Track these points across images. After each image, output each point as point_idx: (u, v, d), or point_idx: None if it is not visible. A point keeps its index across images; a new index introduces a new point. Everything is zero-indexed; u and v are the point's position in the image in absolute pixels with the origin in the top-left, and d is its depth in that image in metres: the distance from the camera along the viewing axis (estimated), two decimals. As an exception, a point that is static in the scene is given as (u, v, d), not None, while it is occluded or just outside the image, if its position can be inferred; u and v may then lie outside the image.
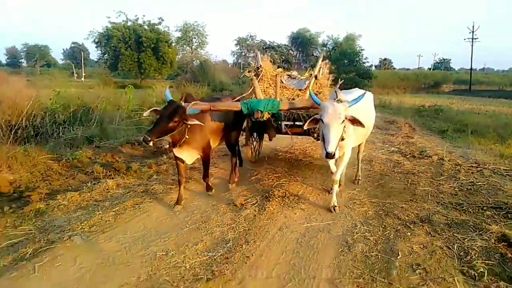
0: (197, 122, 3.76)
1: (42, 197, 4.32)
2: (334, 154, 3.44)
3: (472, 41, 40.23)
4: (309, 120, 3.79)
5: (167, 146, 3.93)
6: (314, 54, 55.10)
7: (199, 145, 4.17)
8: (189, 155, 4.18)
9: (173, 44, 39.00)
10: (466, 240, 3.40)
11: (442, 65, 74.85)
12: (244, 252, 3.10)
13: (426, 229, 3.64)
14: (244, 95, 4.98)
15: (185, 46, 50.94)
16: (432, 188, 4.98)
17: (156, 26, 35.33)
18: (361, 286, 2.69)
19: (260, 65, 5.55)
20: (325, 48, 53.32)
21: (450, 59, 77.41)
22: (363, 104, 4.13)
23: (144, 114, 4.06)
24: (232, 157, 5.15)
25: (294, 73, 6.20)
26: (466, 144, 8.18)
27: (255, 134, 6.02)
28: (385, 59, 70.50)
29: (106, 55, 35.99)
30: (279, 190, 4.59)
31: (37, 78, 21.88)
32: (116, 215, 3.81)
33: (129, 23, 34.54)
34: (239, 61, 62.15)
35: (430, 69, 69.08)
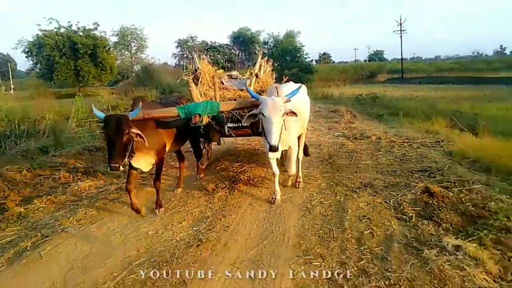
0: (137, 131, 3.46)
1: (18, 203, 4.53)
2: (277, 147, 3.53)
3: (401, 33, 44.01)
4: (248, 115, 3.85)
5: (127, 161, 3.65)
6: (256, 52, 56.50)
7: (154, 149, 3.96)
8: (145, 163, 3.98)
9: (111, 49, 37.91)
10: (399, 195, 4.28)
11: (377, 56, 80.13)
12: (223, 223, 3.69)
13: (368, 191, 4.48)
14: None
15: (123, 51, 49.55)
16: (372, 161, 5.91)
17: (92, 32, 34.11)
18: (321, 235, 3.40)
19: (198, 67, 5.44)
20: (266, 45, 54.82)
21: (383, 51, 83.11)
22: (299, 96, 4.21)
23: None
24: (195, 156, 5.26)
25: (235, 73, 6.30)
26: (399, 125, 9.42)
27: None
28: (324, 54, 73.99)
29: (38, 64, 34.10)
30: (244, 175, 5.22)
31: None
32: (98, 209, 4.19)
33: (62, 30, 33.02)
34: (181, 63, 61.61)
35: (366, 61, 73.73)
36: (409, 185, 4.60)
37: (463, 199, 3.99)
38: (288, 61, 27.48)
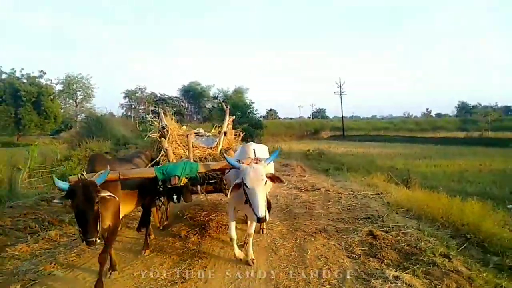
0: (109, 193, 3.26)
1: (-12, 253, 4.61)
2: (265, 217, 3.42)
3: (341, 94, 48.51)
4: (232, 186, 3.71)
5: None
6: (206, 106, 58.19)
7: (109, 214, 3.52)
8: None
9: (56, 98, 37.14)
10: (349, 238, 5.07)
11: (319, 114, 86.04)
12: (201, 264, 4.17)
13: (323, 235, 5.23)
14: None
15: (68, 99, 48.54)
16: (323, 210, 6.74)
17: (36, 79, 33.50)
18: (288, 272, 4.01)
19: (166, 125, 5.34)
20: (216, 100, 56.98)
21: (325, 109, 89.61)
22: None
23: (54, 201, 3.44)
24: (143, 223, 4.86)
25: (201, 130, 6.24)
26: (344, 178, 10.57)
27: (162, 199, 5.55)
28: (271, 110, 77.93)
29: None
30: (212, 221, 5.74)
31: None
32: (78, 255, 4.44)
33: (4, 76, 32.08)
34: (129, 113, 61.02)
35: (310, 118, 78.80)
36: (356, 229, 5.43)
37: (399, 240, 4.88)
38: (239, 116, 28.94)
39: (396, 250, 4.56)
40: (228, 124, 5.91)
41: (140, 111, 61.71)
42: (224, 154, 4.22)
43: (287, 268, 4.08)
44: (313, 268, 4.11)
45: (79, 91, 48.52)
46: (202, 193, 4.92)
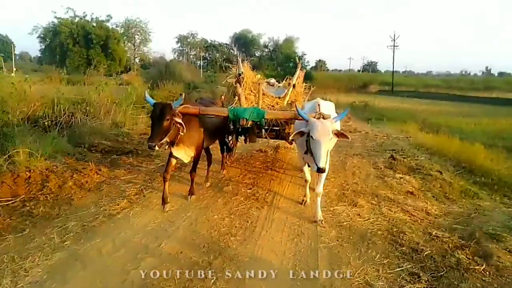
0: (180, 120, 4.11)
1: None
2: (324, 169, 3.77)
3: (394, 48, 48.15)
4: (295, 132, 4.11)
5: (167, 146, 4.32)
6: (256, 54, 59.91)
7: (194, 143, 4.60)
8: (185, 154, 4.59)
9: (121, 41, 40.70)
10: (376, 158, 7.60)
11: (370, 67, 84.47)
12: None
13: (358, 157, 7.78)
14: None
15: (126, 42, 51.96)
16: (361, 144, 9.24)
17: (104, 23, 36.96)
18: (335, 170, 6.65)
19: (242, 72, 5.83)
20: (266, 49, 58.45)
21: (377, 62, 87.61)
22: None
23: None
24: (221, 152, 6.16)
25: (272, 80, 6.91)
26: (383, 126, 12.84)
27: (232, 137, 6.57)
28: (319, 61, 77.95)
29: (49, 50, 36.63)
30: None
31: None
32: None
33: (77, 20, 35.74)
34: (181, 58, 64.13)
35: (359, 71, 78.03)
36: (383, 155, 7.93)
37: (411, 162, 7.34)
38: (291, 67, 30.79)
39: (406, 166, 7.03)
40: (298, 77, 6.41)
41: (191, 56, 64.65)
42: (297, 106, 4.37)
43: (332, 171, 6.71)
44: (349, 171, 6.73)
45: (137, 35, 51.48)
46: (265, 137, 5.66)
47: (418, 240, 3.96)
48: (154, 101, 4.24)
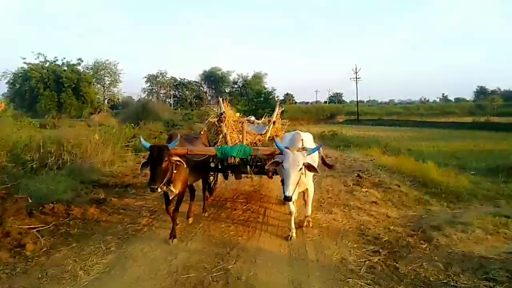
0: (178, 158, 4.35)
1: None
2: (291, 198, 4.13)
3: (356, 80, 51.79)
4: (271, 161, 4.53)
5: (164, 187, 4.44)
6: (226, 90, 62.12)
7: (180, 180, 4.72)
8: (172, 191, 4.69)
9: (92, 84, 41.51)
10: (345, 178, 8.99)
11: (336, 98, 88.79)
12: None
13: (331, 177, 9.15)
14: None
15: (96, 84, 52.60)
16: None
17: (75, 67, 37.87)
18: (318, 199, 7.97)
19: (224, 111, 6.29)
20: (236, 85, 60.86)
21: (342, 93, 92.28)
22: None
23: (139, 171, 5.25)
24: (203, 191, 6.17)
25: (252, 118, 7.44)
26: (350, 151, 14.46)
27: (214, 174, 6.99)
28: (287, 94, 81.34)
29: (18, 95, 36.81)
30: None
31: None
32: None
33: (47, 64, 36.47)
34: (151, 97, 64.99)
35: (326, 102, 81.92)
36: (351, 175, 9.36)
37: (375, 179, 8.79)
38: (262, 101, 32.72)
39: (371, 182, 8.46)
40: (277, 114, 7.03)
41: (161, 95, 65.84)
42: (275, 138, 5.01)
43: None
44: (323, 188, 8.06)
45: (107, 76, 52.18)
46: (250, 173, 5.83)
47: (380, 232, 5.26)
48: (150, 145, 4.46)
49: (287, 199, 4.15)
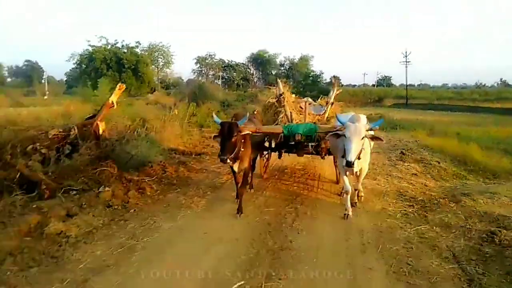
0: (248, 131, 4.77)
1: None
2: (353, 163, 4.36)
3: (406, 64, 50.75)
4: (333, 132, 4.81)
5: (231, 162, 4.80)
6: (273, 73, 63.00)
7: (247, 157, 5.11)
8: (239, 166, 5.09)
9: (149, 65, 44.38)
10: (390, 154, 10.08)
11: (385, 81, 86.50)
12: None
13: (376, 153, 10.27)
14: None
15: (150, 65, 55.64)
16: (378, 145, 11.71)
17: (134, 49, 40.71)
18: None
19: (283, 92, 6.52)
20: (282, 67, 61.63)
21: (391, 76, 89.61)
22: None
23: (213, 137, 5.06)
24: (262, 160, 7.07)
25: (310, 99, 7.79)
26: (396, 133, 15.31)
27: (269, 152, 7.22)
28: (334, 76, 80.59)
29: (86, 75, 40.31)
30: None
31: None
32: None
33: (109, 47, 39.49)
34: (200, 78, 67.29)
35: (374, 85, 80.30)
36: (395, 152, 10.42)
37: (417, 156, 9.81)
38: (310, 84, 33.54)
39: (413, 159, 9.51)
40: (335, 95, 7.23)
41: (210, 76, 68.06)
42: (337, 115, 5.22)
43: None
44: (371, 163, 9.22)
45: (160, 58, 54.91)
46: (311, 151, 6.14)
47: (416, 194, 6.44)
48: (221, 121, 4.81)
49: (349, 164, 4.39)
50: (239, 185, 5.39)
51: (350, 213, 5.20)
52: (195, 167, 8.24)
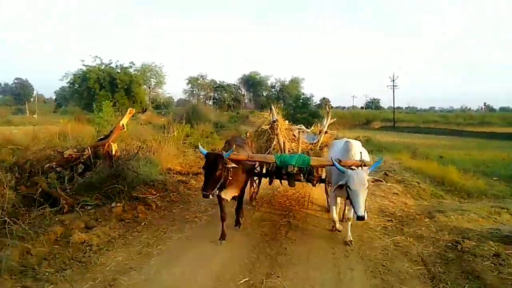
0: (233, 165, 4.61)
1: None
2: (364, 217, 4.23)
3: (393, 88, 52.75)
4: (335, 186, 4.69)
5: (217, 192, 4.67)
6: (263, 94, 64.52)
7: (239, 184, 5.11)
8: (230, 194, 5.12)
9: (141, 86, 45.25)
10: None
11: (373, 104, 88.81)
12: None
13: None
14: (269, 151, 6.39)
15: (142, 85, 56.42)
16: (364, 167, 12.61)
17: (127, 69, 41.66)
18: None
19: (276, 119, 6.40)
20: (273, 89, 63.18)
21: (380, 99, 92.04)
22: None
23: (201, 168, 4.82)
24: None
25: (303, 127, 8.00)
26: (381, 155, 16.24)
27: (256, 180, 7.42)
28: (324, 98, 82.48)
29: (78, 95, 40.95)
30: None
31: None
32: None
33: (103, 67, 40.36)
34: (191, 99, 68.18)
35: (363, 108, 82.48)
36: (379, 173, 11.23)
37: (399, 177, 10.70)
38: (300, 106, 34.66)
39: (395, 179, 10.39)
40: (328, 124, 7.24)
41: (201, 96, 69.10)
42: (333, 160, 4.79)
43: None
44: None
45: (153, 78, 55.72)
46: (303, 181, 6.10)
47: (395, 211, 7.26)
48: (207, 152, 4.73)
49: (361, 219, 4.23)
50: (236, 209, 5.73)
51: (341, 229, 5.49)
52: (194, 185, 8.95)
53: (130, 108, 8.20)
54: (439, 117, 57.23)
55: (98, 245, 4.99)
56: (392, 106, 56.40)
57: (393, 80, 53.51)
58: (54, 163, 6.94)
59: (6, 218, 4.72)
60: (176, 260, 4.64)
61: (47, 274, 4.14)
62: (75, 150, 7.12)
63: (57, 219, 5.55)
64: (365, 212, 4.37)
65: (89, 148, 7.14)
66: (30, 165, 6.79)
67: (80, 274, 4.18)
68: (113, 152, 7.12)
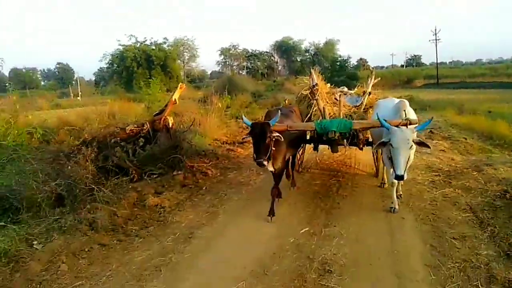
0: (278, 134, 4.53)
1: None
2: (403, 176, 4.09)
3: (436, 42, 50.14)
4: (378, 143, 4.55)
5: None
6: (297, 59, 63.42)
7: (280, 155, 4.97)
8: (273, 166, 4.93)
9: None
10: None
11: (414, 61, 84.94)
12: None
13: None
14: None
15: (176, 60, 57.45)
16: (408, 127, 12.65)
17: (162, 46, 42.60)
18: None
19: (316, 83, 6.12)
20: (307, 53, 62.04)
21: (421, 55, 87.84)
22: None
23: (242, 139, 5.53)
24: (292, 166, 6.42)
25: (345, 89, 7.49)
26: (425, 113, 16.06)
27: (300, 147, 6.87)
28: (361, 59, 80.00)
29: (117, 74, 42.67)
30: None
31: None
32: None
33: (138, 45, 41.54)
34: (225, 70, 68.55)
35: (403, 66, 79.18)
36: (424, 131, 11.22)
37: (445, 134, 10.72)
38: (337, 69, 34.13)
39: (441, 136, 10.44)
40: (372, 84, 6.94)
41: (234, 66, 69.24)
42: (379, 116, 4.57)
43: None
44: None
45: (186, 52, 56.64)
46: (346, 146, 5.74)
47: (442, 166, 7.47)
48: (252, 122, 4.75)
49: (399, 178, 4.15)
50: (286, 175, 5.86)
51: (397, 206, 5.11)
52: (242, 152, 9.53)
53: (180, 83, 8.75)
54: (487, 70, 53.92)
55: (170, 206, 5.71)
56: (435, 61, 53.84)
57: (435, 34, 50.65)
58: (118, 138, 7.69)
59: (93, 186, 5.50)
60: (239, 217, 5.28)
61: (133, 230, 4.89)
62: (135, 125, 7.82)
63: (130, 186, 6.34)
64: (405, 172, 4.26)
65: (147, 122, 7.81)
66: (98, 142, 7.60)
67: (161, 230, 4.90)
68: (170, 125, 7.76)
